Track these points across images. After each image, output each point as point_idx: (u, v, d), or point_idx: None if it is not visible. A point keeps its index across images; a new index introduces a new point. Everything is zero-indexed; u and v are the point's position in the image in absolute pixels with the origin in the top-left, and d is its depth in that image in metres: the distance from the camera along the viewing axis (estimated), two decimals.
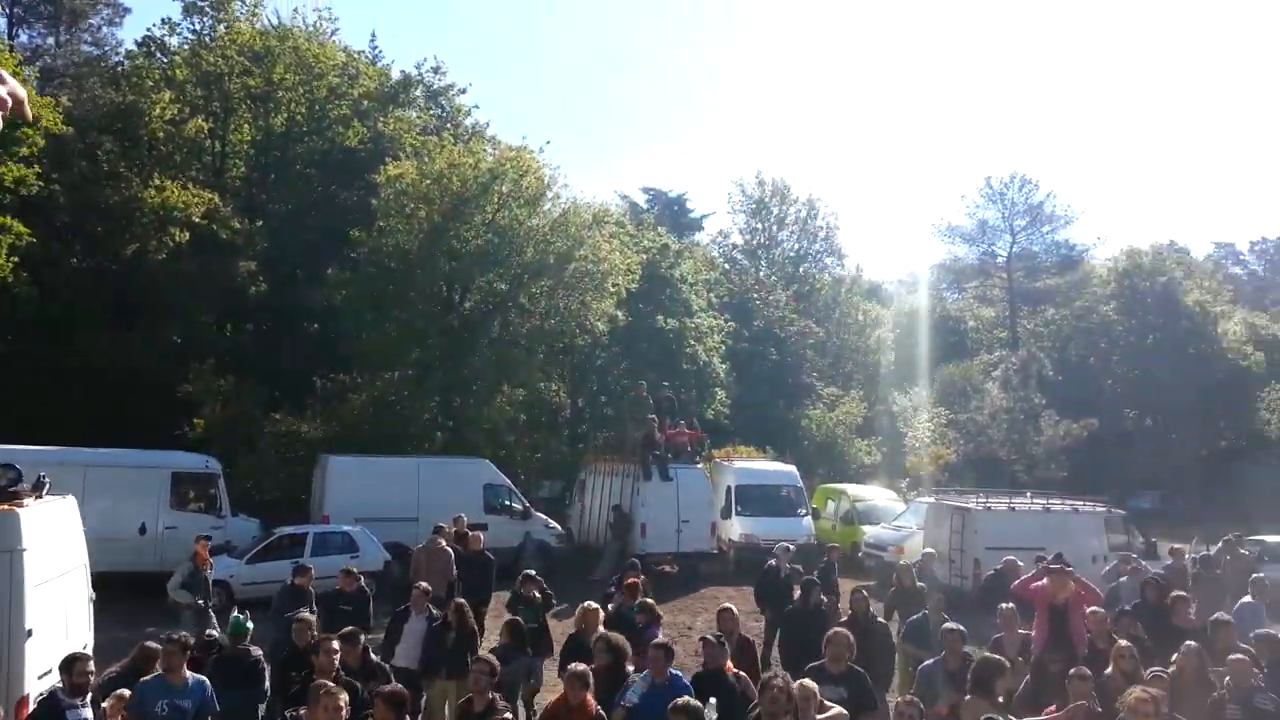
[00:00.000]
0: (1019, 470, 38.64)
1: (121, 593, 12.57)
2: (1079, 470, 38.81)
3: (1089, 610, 10.76)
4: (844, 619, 11.10)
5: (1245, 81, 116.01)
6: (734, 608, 10.61)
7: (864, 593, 11.36)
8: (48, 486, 11.02)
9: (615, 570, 18.37)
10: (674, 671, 8.16)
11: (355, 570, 12.98)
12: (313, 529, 19.45)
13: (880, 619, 11.51)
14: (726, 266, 52.00)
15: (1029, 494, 24.02)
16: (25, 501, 10.34)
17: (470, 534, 16.12)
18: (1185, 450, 45.10)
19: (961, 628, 9.87)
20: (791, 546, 15.26)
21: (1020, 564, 14.21)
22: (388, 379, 27.58)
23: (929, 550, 17.39)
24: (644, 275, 33.52)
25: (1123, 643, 9.34)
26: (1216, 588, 15.76)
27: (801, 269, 54.62)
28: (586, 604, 10.11)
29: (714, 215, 63.83)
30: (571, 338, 31.47)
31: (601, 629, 9.63)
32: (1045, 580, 10.51)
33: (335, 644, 8.63)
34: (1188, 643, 9.70)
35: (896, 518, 25.77)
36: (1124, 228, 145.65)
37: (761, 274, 51.43)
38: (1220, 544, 18.68)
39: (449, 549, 15.22)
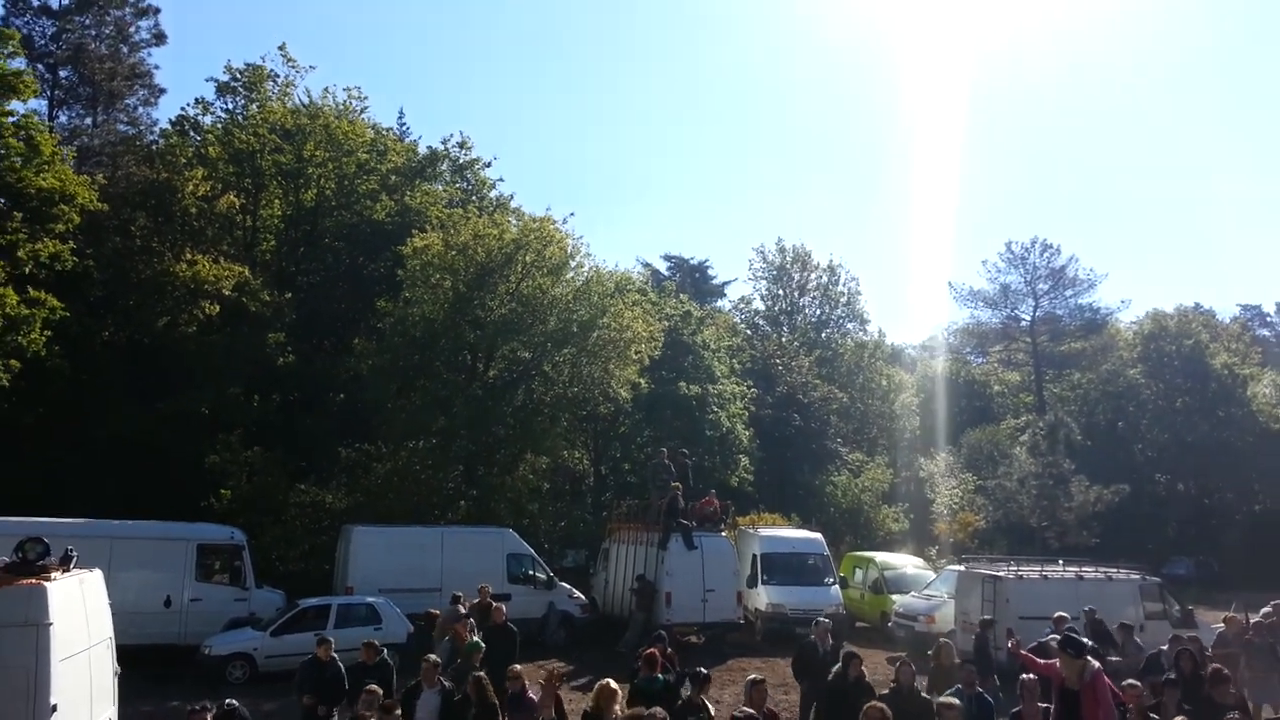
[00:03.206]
0: (1050, 537, 38.05)
1: (147, 666, 12.51)
2: (1111, 537, 38.14)
3: (1126, 684, 10.49)
4: (887, 691, 10.97)
5: (1267, 142, 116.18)
6: (764, 680, 10.48)
7: (911, 666, 11.12)
8: (75, 560, 11.08)
9: (640, 641, 18.21)
10: None
11: (377, 643, 12.95)
12: (336, 601, 19.44)
13: (924, 694, 11.17)
14: (749, 333, 52.15)
15: (1061, 561, 23.62)
16: (53, 575, 10.40)
17: (494, 606, 16.06)
18: (1220, 515, 44.36)
19: (957, 701, 9.74)
20: (829, 621, 14.91)
21: (1053, 643, 13.92)
22: (412, 448, 27.69)
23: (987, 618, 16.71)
24: (666, 342, 33.68)
25: (1153, 717, 9.13)
26: (1273, 658, 15.42)
27: (824, 334, 54.70)
28: (604, 682, 9.85)
29: (736, 282, 64.37)
30: (595, 405, 31.55)
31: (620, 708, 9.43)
32: (1057, 660, 10.22)
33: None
34: (1231, 716, 9.47)
35: (926, 586, 25.39)
36: (1148, 291, 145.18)
37: (784, 340, 51.50)
38: (1271, 609, 18.24)
39: (466, 616, 15.21)
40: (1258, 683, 14.47)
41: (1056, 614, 17.20)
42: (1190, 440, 45.60)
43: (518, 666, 10.94)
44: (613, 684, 9.82)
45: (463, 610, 15.41)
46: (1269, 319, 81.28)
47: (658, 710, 8.27)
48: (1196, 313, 55.70)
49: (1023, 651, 12.51)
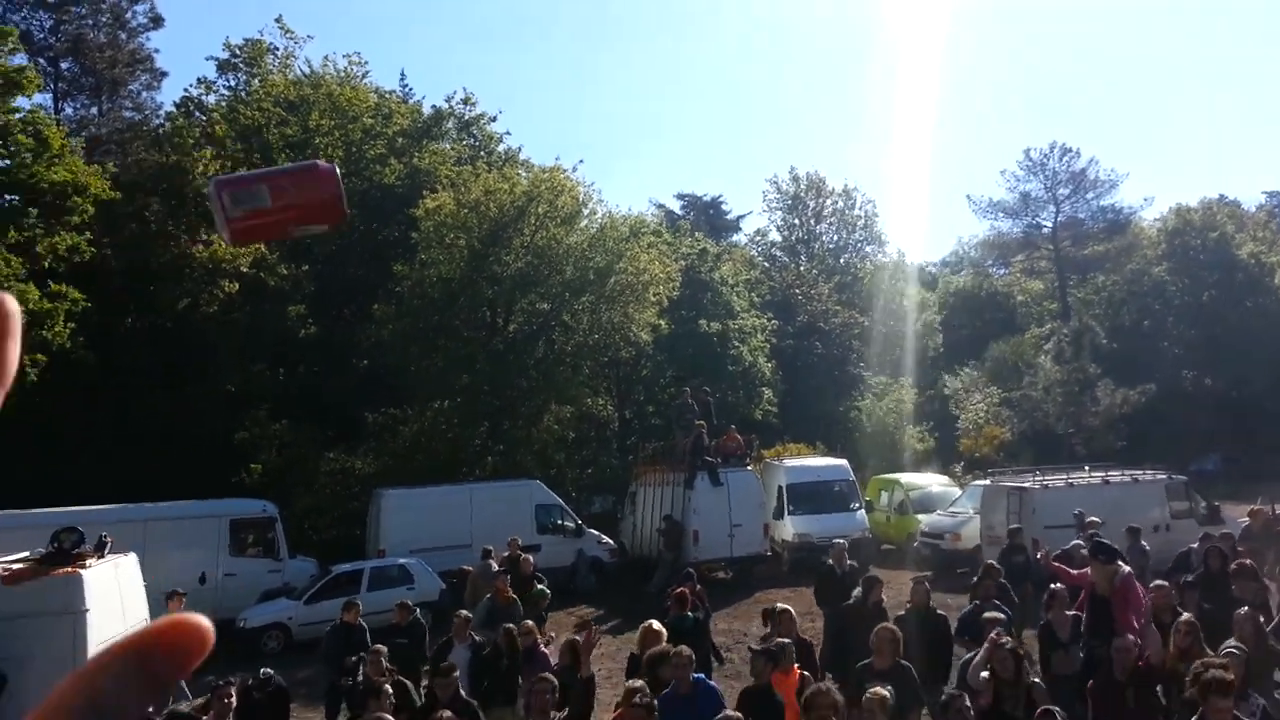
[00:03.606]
0: (1077, 443, 38.03)
1: None
2: (1139, 438, 38.02)
3: (1154, 584, 10.54)
4: (903, 611, 11.08)
5: None
6: (791, 609, 10.52)
7: (925, 584, 11.25)
8: (109, 546, 11.60)
9: (669, 581, 18.63)
10: (699, 678, 8.20)
11: (410, 603, 13.32)
12: (368, 564, 19.88)
13: (940, 611, 11.24)
14: (766, 265, 51.92)
15: (1087, 467, 23.69)
16: (88, 562, 10.92)
17: (521, 557, 16.51)
18: (1249, 407, 43.99)
19: (1002, 615, 9.91)
20: (845, 542, 15.14)
21: (1084, 549, 14.05)
22: (437, 408, 28.17)
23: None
24: (684, 281, 33.76)
25: (1185, 616, 9.12)
26: None
27: (843, 260, 54.31)
28: (648, 624, 9.92)
29: (751, 215, 63.73)
30: (616, 351, 31.80)
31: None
32: (1088, 569, 10.32)
33: (388, 688, 8.99)
34: (1240, 611, 9.48)
35: (952, 503, 25.57)
36: (1171, 186, 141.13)
37: (802, 269, 51.29)
38: None
39: (502, 572, 15.62)
40: None
41: (1077, 510, 17.34)
42: (1218, 333, 44.98)
43: (530, 622, 11.16)
44: (656, 624, 9.87)
45: (495, 565, 15.81)
46: None
47: (683, 648, 8.27)
48: (1221, 204, 54.56)
49: (1054, 562, 12.68)
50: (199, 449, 25.94)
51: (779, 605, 10.96)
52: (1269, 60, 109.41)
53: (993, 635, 8.52)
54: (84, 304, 24.78)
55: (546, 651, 10.60)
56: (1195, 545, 14.63)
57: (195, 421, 26.39)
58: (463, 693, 9.27)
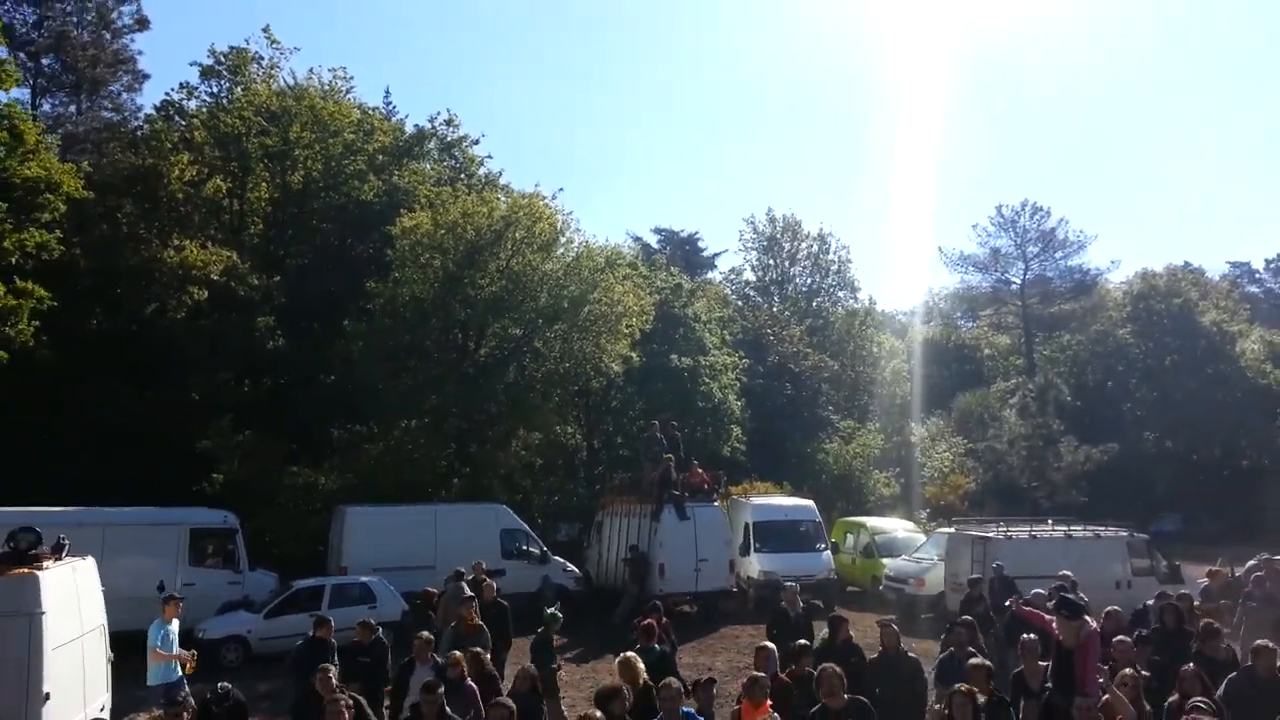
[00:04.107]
0: (1040, 497, 38.39)
1: (140, 652, 12.69)
2: (1100, 495, 38.51)
3: (1115, 640, 10.66)
4: (875, 655, 11.09)
5: (1254, 99, 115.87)
6: (771, 646, 10.54)
7: (894, 626, 11.22)
8: (67, 548, 11.23)
9: (634, 613, 18.44)
10: (688, 711, 8.20)
11: (372, 622, 13.09)
12: (330, 581, 19.61)
13: (911, 654, 11.29)
14: (740, 304, 52.15)
15: (1050, 521, 23.87)
16: (45, 564, 10.54)
17: (485, 582, 16.25)
18: (1207, 471, 44.69)
19: (988, 663, 9.92)
20: (797, 585, 15.02)
21: (1046, 597, 14.09)
22: (404, 428, 27.84)
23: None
24: (657, 315, 33.77)
25: (1127, 671, 9.32)
26: (1270, 610, 15.63)
27: (815, 303, 54.64)
28: (626, 655, 9.80)
29: (726, 253, 64.25)
30: (586, 380, 31.65)
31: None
32: (1055, 621, 10.39)
33: (345, 702, 8.78)
34: (1186, 668, 9.68)
35: (917, 549, 25.67)
36: (1137, 250, 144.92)
37: (775, 309, 51.54)
38: (1257, 561, 18.48)
39: (469, 598, 15.36)
40: (1253, 635, 14.59)
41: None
42: (1179, 398, 45.83)
43: (457, 653, 10.88)
44: (632, 656, 9.76)
45: (467, 590, 15.55)
46: (1258, 275, 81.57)
47: (672, 680, 8.46)
48: (1186, 271, 55.85)
49: (1027, 609, 12.72)
50: (161, 456, 25.39)
51: (765, 642, 10.92)
52: (1236, 134, 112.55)
53: (958, 686, 8.54)
54: (49, 302, 24.26)
55: (472, 685, 10.34)
56: (1151, 602, 14.81)
57: (158, 428, 25.84)
58: (448, 710, 9.10)
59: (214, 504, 22.93)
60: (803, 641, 11.33)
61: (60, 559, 10.99)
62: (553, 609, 13.87)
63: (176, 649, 12.97)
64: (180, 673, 12.67)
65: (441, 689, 9.25)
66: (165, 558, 19.58)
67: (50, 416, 26.06)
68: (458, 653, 10.94)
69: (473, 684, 10.40)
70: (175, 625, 13.04)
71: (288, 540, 24.81)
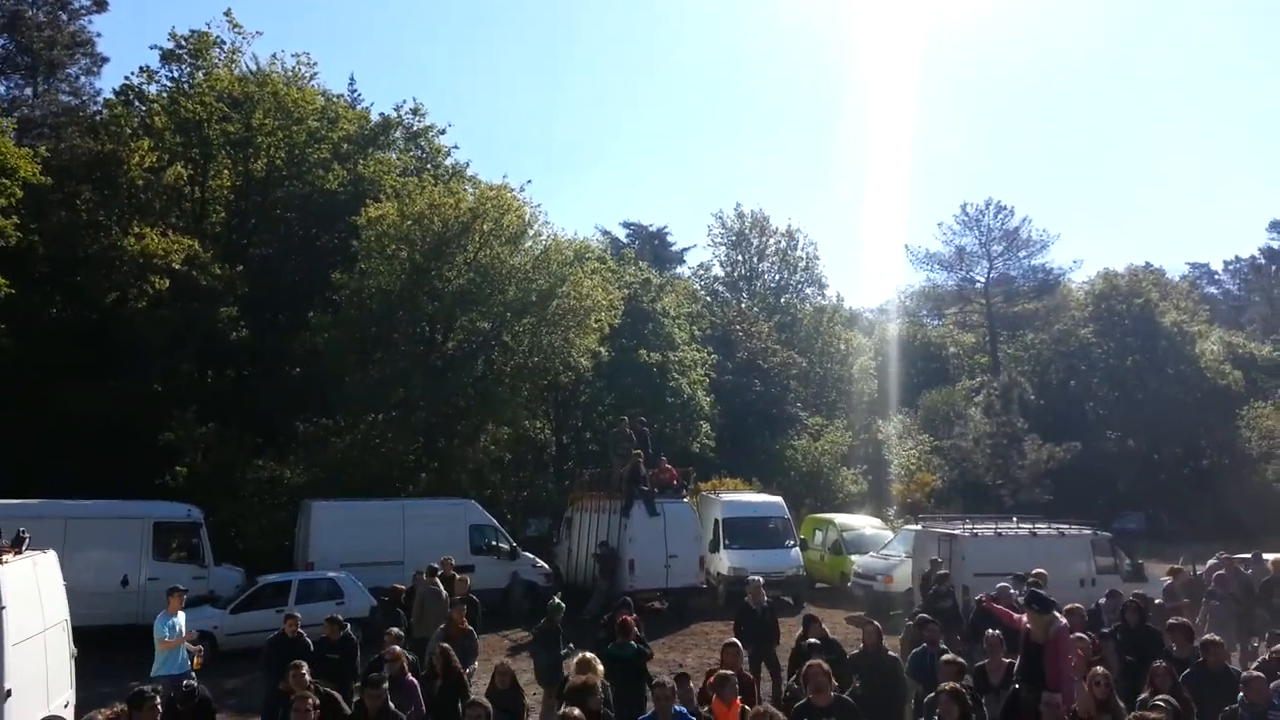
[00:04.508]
0: (1004, 495, 38.75)
1: (105, 647, 12.41)
2: (1064, 493, 38.93)
3: (1074, 636, 10.76)
4: (856, 651, 11.16)
5: (1215, 102, 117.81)
6: (738, 643, 10.64)
7: (877, 626, 11.26)
8: (28, 541, 10.95)
9: (604, 609, 18.33)
10: (680, 710, 8.29)
11: (340, 618, 12.91)
12: (297, 577, 19.31)
13: (892, 653, 11.38)
14: (708, 299, 52.17)
15: (1015, 519, 24.01)
16: (4, 558, 10.27)
17: (457, 577, 16.06)
18: (1168, 470, 45.36)
19: (960, 659, 9.98)
20: (761, 580, 14.93)
21: (1013, 590, 14.20)
22: (371, 421, 27.50)
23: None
24: (626, 310, 33.65)
25: (1099, 669, 9.38)
26: (1232, 608, 15.86)
27: (783, 300, 54.78)
28: (585, 655, 9.83)
29: (695, 248, 64.23)
30: (555, 375, 31.41)
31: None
32: (1025, 616, 10.45)
33: (312, 701, 8.65)
34: (1157, 664, 9.83)
35: (884, 546, 25.74)
36: (1099, 250, 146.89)
37: (743, 305, 51.60)
38: (1217, 560, 18.73)
39: (443, 592, 15.18)
40: (1218, 631, 14.83)
41: (1036, 570, 17.47)
42: (1140, 397, 46.49)
43: (396, 648, 10.82)
44: (590, 655, 9.82)
45: (440, 585, 15.32)
46: (1217, 277, 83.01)
47: (665, 678, 8.77)
48: (1147, 271, 56.60)
49: (996, 605, 12.76)
50: (122, 447, 24.96)
51: (731, 639, 11.04)
52: (1196, 136, 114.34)
53: (944, 685, 8.55)
54: (7, 290, 23.82)
55: (413, 681, 10.33)
56: (1104, 600, 14.94)
57: (120, 419, 25.37)
58: (391, 705, 9.08)
59: (178, 497, 22.54)
60: (812, 640, 11.30)
61: (20, 552, 10.74)
62: (555, 599, 13.80)
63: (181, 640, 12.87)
64: (188, 663, 12.48)
65: (385, 684, 9.26)
66: (129, 551, 19.27)
67: (9, 407, 25.47)
68: (397, 648, 10.89)
69: (413, 679, 10.41)
70: (181, 617, 12.87)
71: (253, 535, 24.49)
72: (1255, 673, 9.08)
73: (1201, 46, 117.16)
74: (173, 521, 20.59)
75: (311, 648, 12.01)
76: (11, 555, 10.54)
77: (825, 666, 8.58)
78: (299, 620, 12.49)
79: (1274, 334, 56.85)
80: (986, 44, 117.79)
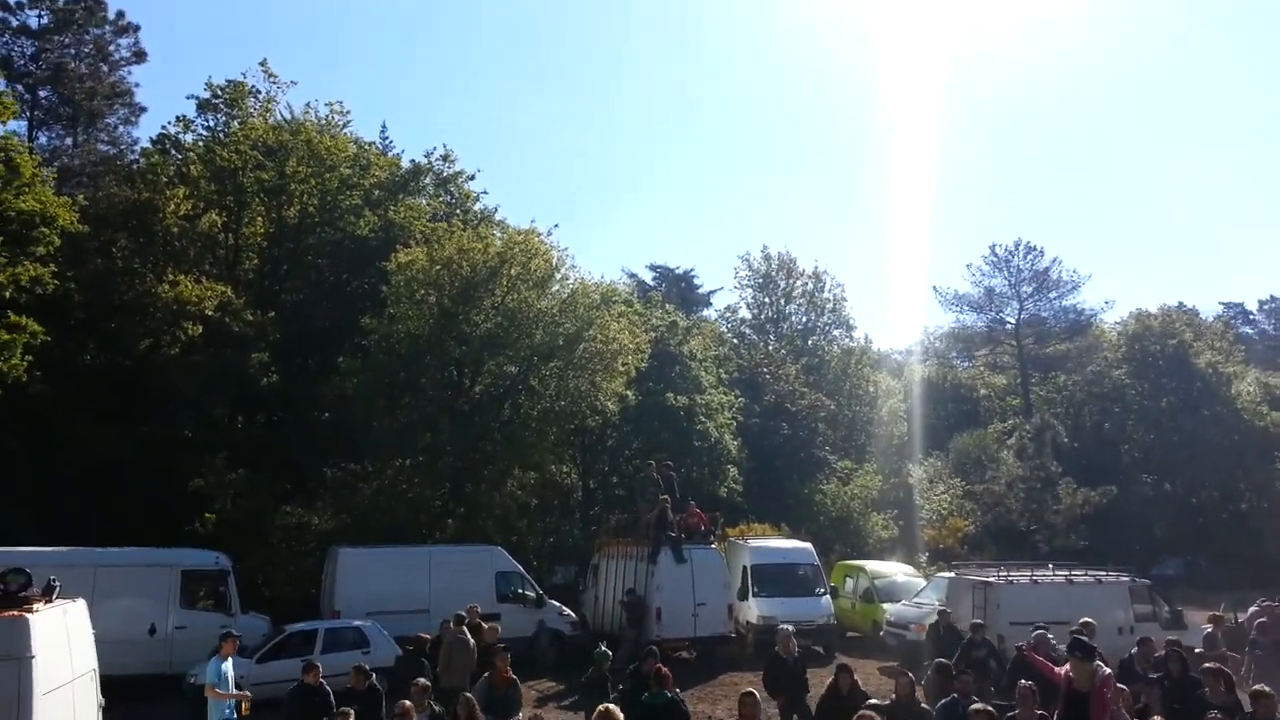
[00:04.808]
0: (1039, 540, 38.17)
1: (132, 696, 12.41)
2: (1100, 539, 38.31)
3: (1118, 686, 10.59)
4: (886, 702, 11.04)
5: (1246, 141, 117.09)
6: (755, 692, 10.46)
7: (910, 676, 11.17)
8: (58, 590, 10.98)
9: (632, 658, 18.10)
10: None
11: (366, 667, 12.85)
12: (323, 625, 19.24)
13: (924, 704, 11.29)
14: (735, 342, 52.06)
15: (1050, 565, 23.63)
16: (35, 607, 10.30)
17: (486, 626, 15.95)
18: (1206, 514, 44.56)
19: (989, 709, 9.80)
20: (791, 628, 14.67)
21: (1051, 637, 13.97)
22: (398, 466, 27.53)
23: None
24: (653, 353, 33.60)
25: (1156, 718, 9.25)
26: (1275, 655, 15.52)
27: (810, 342, 54.53)
28: (605, 707, 9.60)
29: (721, 290, 64.34)
30: (582, 419, 31.38)
31: None
32: (1068, 665, 10.27)
33: None
34: (1212, 714, 9.62)
35: (917, 594, 25.34)
36: (1131, 290, 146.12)
37: (770, 348, 51.43)
38: (1258, 607, 18.36)
39: (470, 641, 15.07)
40: (1264, 681, 14.53)
41: (1083, 620, 17.09)
42: (1176, 440, 45.82)
43: (406, 702, 10.77)
44: (613, 708, 9.58)
45: (468, 634, 15.18)
46: (1251, 317, 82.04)
47: None
48: (1180, 312, 56.00)
49: (1038, 657, 12.55)
50: (153, 494, 25.07)
51: (748, 688, 10.89)
52: (1228, 174, 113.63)
53: None
54: (43, 337, 24.08)
55: None
56: (1135, 650, 14.65)
57: (149, 465, 25.51)
58: None
59: (206, 544, 22.59)
60: (873, 701, 11.18)
61: (51, 601, 10.77)
62: (601, 647, 13.69)
63: (232, 687, 12.94)
64: (235, 715, 12.48)
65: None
66: (157, 600, 19.30)
67: (42, 452, 25.71)
68: (408, 702, 10.87)
69: None
70: (230, 663, 12.86)
71: (280, 582, 24.47)
72: None
73: (1231, 84, 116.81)
74: (201, 569, 20.58)
75: (332, 697, 11.95)
76: (42, 604, 10.58)
77: (875, 717, 8.53)
78: (320, 670, 12.43)
79: None
80: (1012, 83, 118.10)
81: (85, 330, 28.56)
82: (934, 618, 19.07)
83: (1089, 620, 16.02)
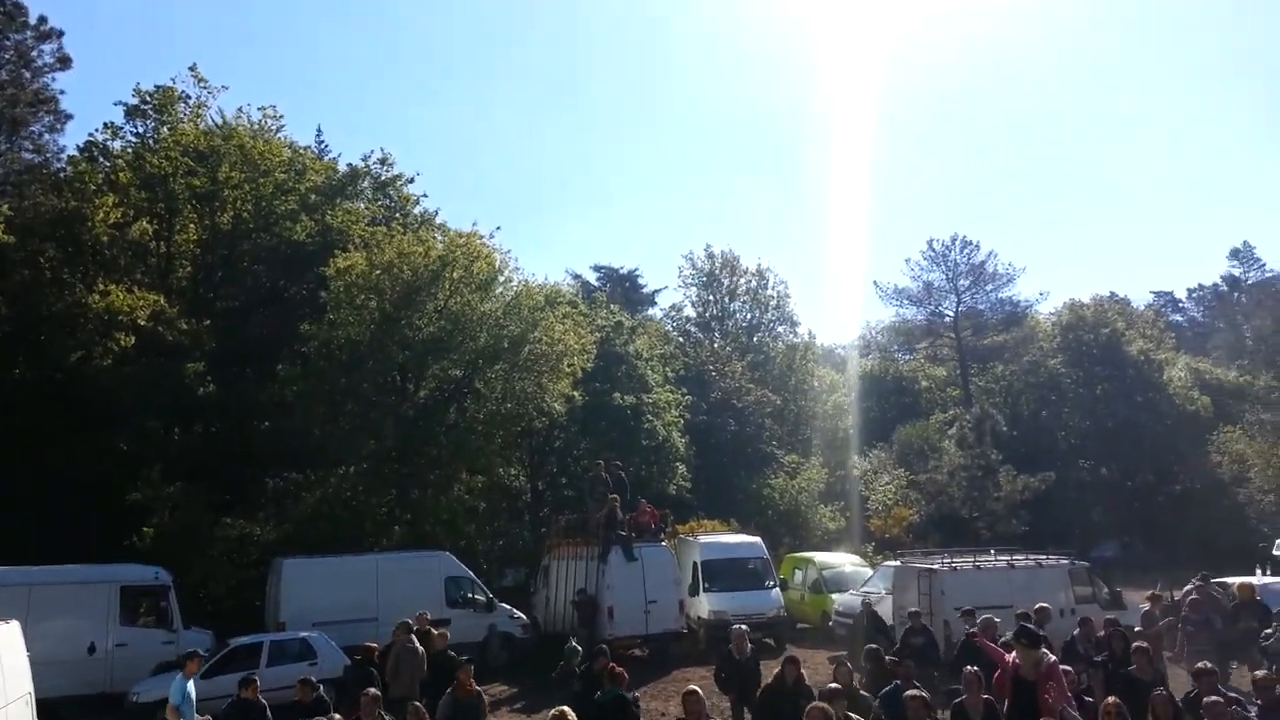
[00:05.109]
0: (981, 527, 38.84)
1: (73, 717, 12.10)
2: (1040, 523, 39.09)
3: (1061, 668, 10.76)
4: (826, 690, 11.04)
5: (1173, 132, 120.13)
6: (699, 690, 10.48)
7: (849, 665, 11.31)
8: None
9: (584, 658, 18.06)
10: None
11: (314, 679, 12.64)
12: (268, 638, 18.89)
13: (864, 693, 11.38)
14: (681, 340, 52.18)
15: (993, 551, 24.04)
16: None
17: (436, 633, 15.75)
18: (1142, 497, 45.68)
19: (923, 693, 9.94)
20: (745, 628, 14.67)
21: (998, 621, 14.20)
22: (342, 474, 27.16)
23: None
24: (599, 353, 33.56)
25: (1110, 700, 9.43)
26: (1208, 632, 15.95)
27: (755, 338, 54.85)
28: (559, 709, 9.65)
29: (666, 290, 64.37)
30: (529, 421, 31.22)
31: None
32: (1014, 653, 10.39)
33: None
34: (1158, 692, 9.85)
35: (864, 583, 25.63)
36: (1065, 282, 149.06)
37: (716, 346, 51.64)
38: (1192, 585, 18.82)
39: (419, 649, 14.86)
40: (1195, 657, 14.89)
41: (1038, 605, 17.16)
42: (1110, 426, 46.93)
43: (337, 715, 10.78)
44: (565, 709, 9.63)
45: (416, 642, 14.95)
46: (1181, 305, 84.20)
47: None
48: (1112, 301, 57.32)
49: (988, 642, 12.70)
50: (88, 509, 24.43)
51: (692, 686, 10.87)
52: (1156, 167, 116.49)
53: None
54: None
55: None
56: (1077, 631, 14.94)
57: (84, 480, 24.86)
58: None
59: (145, 559, 22.01)
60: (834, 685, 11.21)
61: None
62: (572, 642, 13.58)
63: (194, 713, 12.60)
64: None
65: None
66: (95, 618, 18.81)
67: None
68: (337, 715, 10.88)
69: None
70: (193, 683, 12.54)
71: (223, 595, 23.94)
72: (1215, 699, 9.27)
73: (1159, 75, 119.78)
74: (140, 585, 20.07)
75: (269, 712, 11.70)
76: None
77: (827, 709, 8.60)
78: (259, 685, 12.20)
79: (1239, 360, 57.55)
80: (944, 80, 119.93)
81: (13, 343, 27.73)
82: (859, 608, 19.40)
83: (1045, 606, 16.32)
